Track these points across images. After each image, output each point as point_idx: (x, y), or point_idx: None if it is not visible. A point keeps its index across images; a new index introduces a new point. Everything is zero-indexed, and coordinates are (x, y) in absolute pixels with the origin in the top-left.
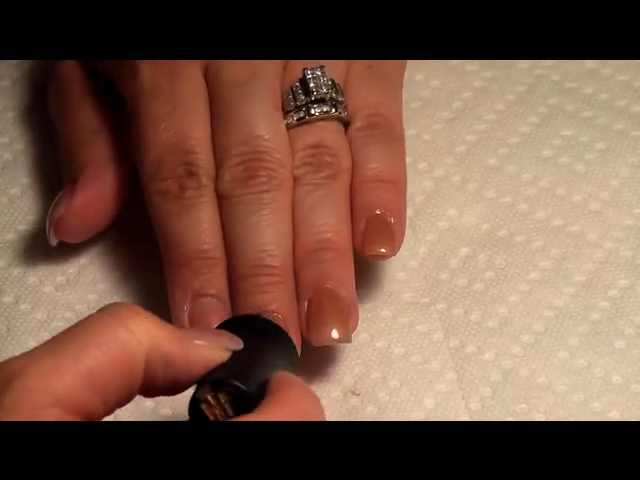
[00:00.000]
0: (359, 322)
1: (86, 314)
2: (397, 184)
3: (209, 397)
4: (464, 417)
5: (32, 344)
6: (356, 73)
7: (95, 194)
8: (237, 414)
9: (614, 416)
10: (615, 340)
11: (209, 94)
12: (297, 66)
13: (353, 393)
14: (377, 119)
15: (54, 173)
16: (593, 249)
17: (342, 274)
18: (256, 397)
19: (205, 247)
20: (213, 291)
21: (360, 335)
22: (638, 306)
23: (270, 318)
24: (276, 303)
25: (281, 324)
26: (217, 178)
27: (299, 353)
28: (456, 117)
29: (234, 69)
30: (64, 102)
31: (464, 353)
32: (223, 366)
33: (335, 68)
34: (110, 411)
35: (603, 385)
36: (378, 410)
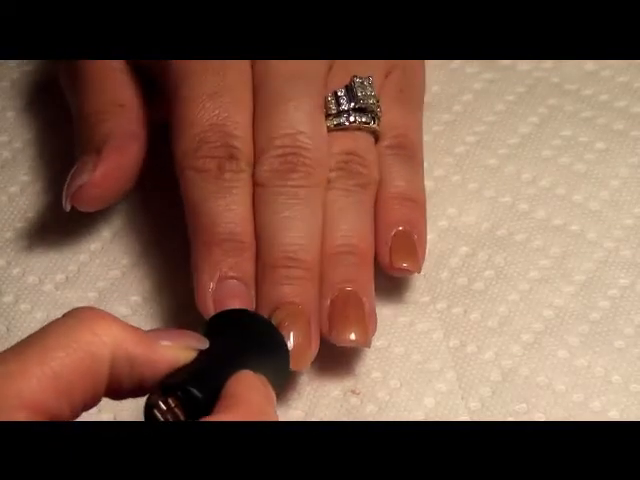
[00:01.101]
0: None
1: None
2: (420, 204)
3: (160, 402)
4: (464, 417)
5: None
6: (388, 94)
7: (117, 166)
8: (189, 415)
9: (614, 416)
10: (615, 340)
11: (255, 84)
12: (341, 71)
13: (353, 392)
14: (404, 141)
15: (53, 171)
16: (593, 248)
17: (365, 280)
18: (211, 400)
19: (238, 230)
20: (240, 274)
21: None
22: (638, 305)
23: (265, 317)
24: (302, 297)
25: (304, 318)
26: (255, 166)
27: (312, 352)
28: (456, 120)
29: (284, 63)
30: (86, 74)
31: (464, 352)
32: (185, 367)
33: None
34: (77, 413)
35: (603, 385)
36: (378, 409)
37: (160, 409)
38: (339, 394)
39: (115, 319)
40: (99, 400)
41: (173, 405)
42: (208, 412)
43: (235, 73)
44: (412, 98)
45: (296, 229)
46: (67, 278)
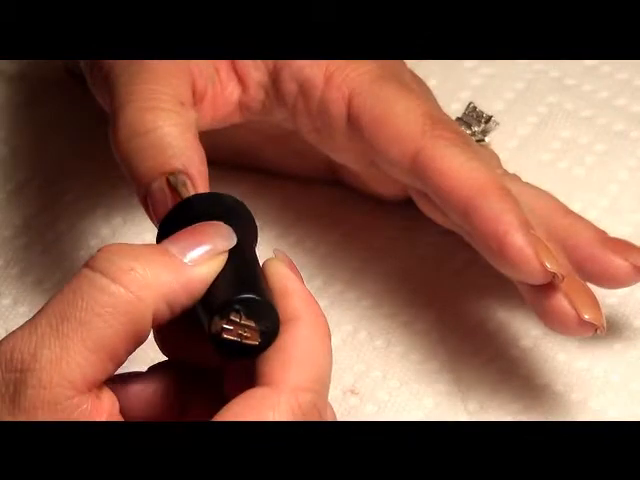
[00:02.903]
0: (359, 321)
1: None
2: None
3: (224, 325)
4: (463, 417)
5: None
6: None
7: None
8: (259, 320)
9: (613, 415)
10: (614, 342)
11: None
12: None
13: (352, 392)
14: None
15: (53, 168)
16: None
17: None
18: (264, 295)
19: None
20: None
21: (359, 333)
22: (637, 310)
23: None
24: None
25: None
26: None
27: None
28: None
29: None
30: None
31: (463, 353)
32: (221, 277)
33: None
34: (122, 364)
35: (602, 384)
36: (377, 409)
37: (229, 331)
38: (338, 393)
39: (144, 260)
40: (143, 343)
41: (239, 320)
42: (270, 309)
43: None
44: None
45: None
46: (67, 277)
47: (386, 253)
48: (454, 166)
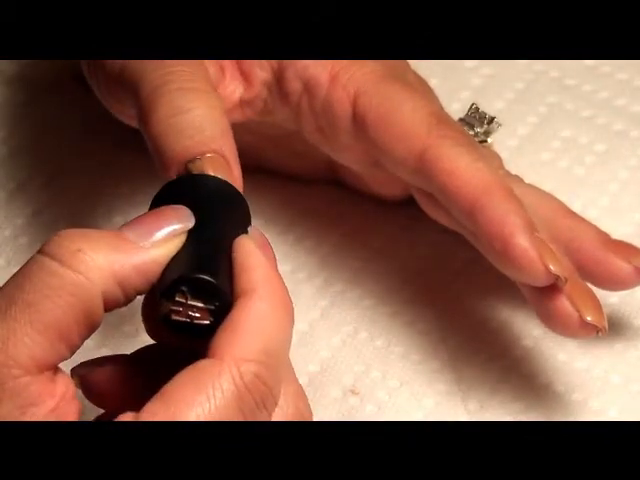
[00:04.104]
0: (359, 321)
1: None
2: None
3: (172, 307)
4: (463, 417)
5: None
6: None
7: None
8: (206, 299)
9: (613, 415)
10: (615, 343)
11: None
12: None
13: (352, 392)
14: None
15: (53, 167)
16: None
17: None
18: (220, 271)
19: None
20: None
21: (360, 334)
22: (637, 310)
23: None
24: None
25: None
26: None
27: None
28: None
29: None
30: None
31: (463, 353)
32: (178, 256)
33: None
34: (75, 350)
35: (602, 384)
36: (377, 409)
37: (178, 313)
38: (338, 394)
39: (92, 241)
40: (97, 327)
41: (185, 301)
42: (215, 287)
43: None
44: None
45: None
46: None
47: (387, 253)
48: (461, 166)
